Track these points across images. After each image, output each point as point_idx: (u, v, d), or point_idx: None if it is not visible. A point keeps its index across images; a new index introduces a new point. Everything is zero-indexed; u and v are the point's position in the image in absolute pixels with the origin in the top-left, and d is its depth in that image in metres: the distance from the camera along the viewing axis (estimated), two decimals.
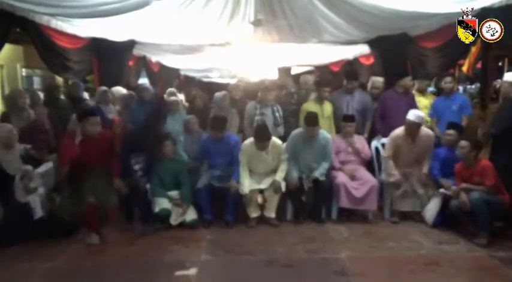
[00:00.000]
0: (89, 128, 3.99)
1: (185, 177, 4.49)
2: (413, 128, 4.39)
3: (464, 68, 6.56)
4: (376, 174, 4.73)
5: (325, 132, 4.62)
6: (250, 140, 4.51)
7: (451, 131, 4.34)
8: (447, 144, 4.38)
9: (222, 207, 4.50)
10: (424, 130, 4.53)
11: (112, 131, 4.57)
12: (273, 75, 10.43)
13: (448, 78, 5.08)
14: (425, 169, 4.44)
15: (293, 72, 12.32)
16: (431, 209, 4.27)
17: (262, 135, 4.36)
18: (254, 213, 4.43)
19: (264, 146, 4.40)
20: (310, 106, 4.89)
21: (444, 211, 4.16)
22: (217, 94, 5.49)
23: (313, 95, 5.24)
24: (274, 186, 4.38)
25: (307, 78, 5.66)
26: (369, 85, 5.49)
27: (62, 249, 3.89)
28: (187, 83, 10.84)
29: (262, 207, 4.47)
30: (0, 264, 3.63)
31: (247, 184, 4.37)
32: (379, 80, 5.44)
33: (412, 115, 4.38)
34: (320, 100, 4.97)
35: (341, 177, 4.43)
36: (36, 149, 4.25)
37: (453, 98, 5.05)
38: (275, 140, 4.55)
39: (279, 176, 4.43)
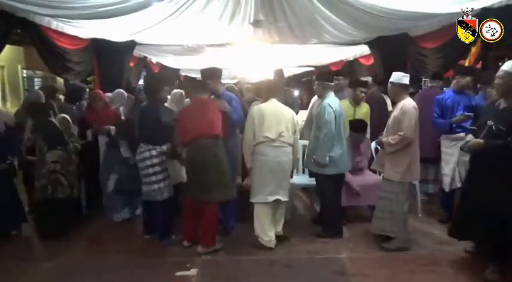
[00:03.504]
0: None
1: None
2: (390, 92, 3.95)
3: None
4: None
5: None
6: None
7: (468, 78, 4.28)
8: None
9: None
10: (408, 101, 3.81)
11: None
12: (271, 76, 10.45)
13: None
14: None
15: (292, 72, 12.44)
16: (448, 174, 4.31)
17: None
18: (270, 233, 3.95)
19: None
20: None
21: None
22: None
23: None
24: None
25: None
26: None
27: (62, 249, 3.91)
28: (187, 83, 10.89)
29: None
30: (1, 264, 3.64)
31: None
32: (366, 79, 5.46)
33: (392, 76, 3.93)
34: (355, 101, 4.69)
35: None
36: None
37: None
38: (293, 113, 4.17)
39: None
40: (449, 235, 3.68)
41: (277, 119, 3.94)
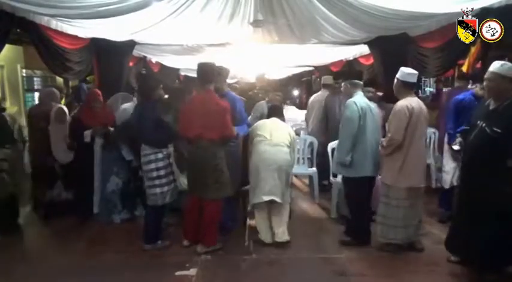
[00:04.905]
0: None
1: None
2: (394, 88, 3.80)
3: (464, 68, 6.55)
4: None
5: None
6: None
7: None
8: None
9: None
10: (404, 101, 3.68)
11: None
12: (273, 76, 10.49)
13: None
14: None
15: (292, 72, 12.52)
16: (449, 172, 4.32)
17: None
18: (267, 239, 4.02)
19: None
20: None
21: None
22: None
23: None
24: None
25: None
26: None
27: (61, 249, 3.91)
28: (187, 82, 10.92)
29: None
30: (0, 264, 3.63)
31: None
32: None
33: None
34: None
35: None
36: None
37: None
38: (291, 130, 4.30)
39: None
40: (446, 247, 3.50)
41: (276, 127, 4.14)
